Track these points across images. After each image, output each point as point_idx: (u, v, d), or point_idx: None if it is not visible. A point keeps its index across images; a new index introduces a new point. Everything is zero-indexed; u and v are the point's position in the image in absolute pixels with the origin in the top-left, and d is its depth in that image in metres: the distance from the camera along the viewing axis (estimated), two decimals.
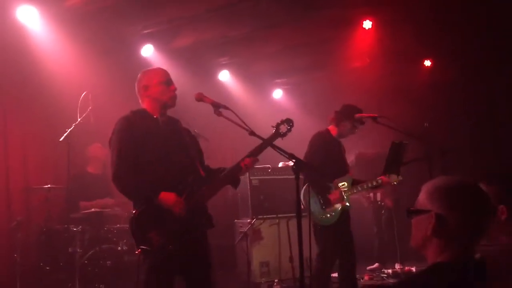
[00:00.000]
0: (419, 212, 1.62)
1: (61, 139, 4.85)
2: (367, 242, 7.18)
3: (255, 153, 3.09)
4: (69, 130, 4.87)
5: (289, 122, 3.07)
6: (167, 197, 2.91)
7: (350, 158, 6.55)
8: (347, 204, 4.38)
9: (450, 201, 1.55)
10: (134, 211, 2.97)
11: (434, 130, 4.44)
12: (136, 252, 2.93)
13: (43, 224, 5.12)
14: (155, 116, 3.15)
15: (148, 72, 3.25)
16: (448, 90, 6.96)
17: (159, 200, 2.90)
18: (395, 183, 4.36)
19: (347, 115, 4.47)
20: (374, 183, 4.37)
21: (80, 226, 4.94)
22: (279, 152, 2.95)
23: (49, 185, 4.99)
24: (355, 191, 4.42)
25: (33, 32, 5.40)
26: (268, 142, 3.06)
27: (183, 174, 3.03)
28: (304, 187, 4.40)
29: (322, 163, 4.34)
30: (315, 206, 4.38)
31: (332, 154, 4.47)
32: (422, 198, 1.64)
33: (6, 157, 5.40)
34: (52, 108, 5.66)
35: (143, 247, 2.87)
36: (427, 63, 7.26)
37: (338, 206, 4.35)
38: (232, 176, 3.10)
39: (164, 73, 3.22)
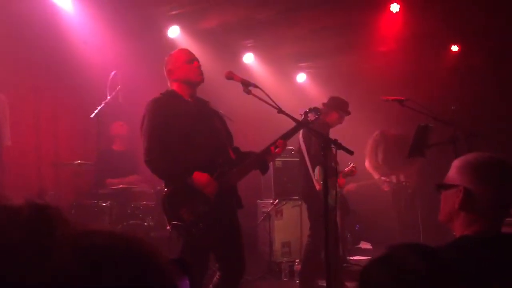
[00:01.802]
0: (449, 186, 1.67)
1: (92, 116, 4.97)
2: (387, 227, 7.22)
3: (283, 137, 3.16)
4: (99, 107, 4.98)
5: (317, 111, 3.16)
6: (200, 177, 2.97)
7: (375, 135, 6.62)
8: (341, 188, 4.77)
9: (478, 175, 1.59)
10: (165, 189, 3.05)
11: (460, 114, 4.42)
12: (168, 227, 3.02)
13: (73, 198, 5.29)
14: (185, 98, 3.20)
15: (172, 55, 3.30)
16: (475, 75, 6.87)
17: (192, 179, 2.96)
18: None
19: (335, 106, 4.89)
20: (348, 172, 5.13)
21: (109, 202, 5.08)
22: (309, 131, 3.00)
23: (79, 161, 5.13)
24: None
25: (64, 11, 5.52)
26: (296, 129, 3.17)
27: (213, 156, 3.09)
28: (317, 169, 4.65)
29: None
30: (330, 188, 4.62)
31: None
32: (452, 173, 1.68)
33: (38, 133, 5.57)
34: (82, 86, 5.79)
35: (174, 222, 2.96)
36: (454, 48, 7.16)
37: (339, 189, 4.77)
38: (262, 159, 3.15)
39: (185, 52, 3.27)
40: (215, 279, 3.14)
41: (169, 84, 3.28)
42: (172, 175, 3.05)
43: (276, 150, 3.08)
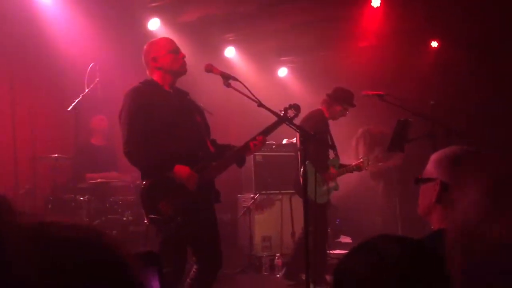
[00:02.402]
0: (426, 180, 1.68)
1: (69, 109, 4.89)
2: (367, 221, 7.29)
3: (263, 134, 3.15)
4: (77, 100, 4.90)
5: (296, 108, 3.14)
6: (182, 170, 2.94)
7: (358, 133, 6.66)
8: (336, 185, 4.67)
9: (453, 169, 1.60)
10: (144, 182, 3.01)
11: (439, 109, 4.47)
12: (145, 221, 2.99)
13: (50, 193, 5.20)
14: (165, 88, 3.16)
15: (155, 43, 3.24)
16: (454, 70, 6.95)
17: (173, 173, 2.93)
18: (366, 168, 5.05)
19: (338, 98, 4.78)
20: (355, 167, 4.90)
21: (87, 196, 5.01)
22: (288, 125, 3.00)
23: (56, 155, 5.05)
24: (341, 173, 4.82)
25: (41, 3, 5.40)
26: (275, 125, 3.16)
27: (193, 148, 3.06)
28: (305, 164, 4.53)
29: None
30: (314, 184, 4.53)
31: (324, 133, 4.61)
32: (429, 167, 1.69)
33: (14, 126, 5.46)
34: (59, 78, 5.69)
35: (152, 216, 2.93)
36: (434, 44, 7.24)
37: (332, 186, 4.60)
38: (241, 154, 3.15)
39: (171, 41, 3.21)
40: (192, 272, 3.13)
41: (148, 72, 3.21)
42: (152, 167, 3.01)
43: (255, 147, 3.07)
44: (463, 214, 1.60)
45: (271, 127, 3.16)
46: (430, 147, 3.80)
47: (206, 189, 3.07)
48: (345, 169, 4.85)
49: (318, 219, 4.50)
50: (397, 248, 1.12)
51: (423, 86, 6.76)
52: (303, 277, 4.86)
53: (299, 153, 4.80)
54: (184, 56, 3.19)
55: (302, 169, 4.53)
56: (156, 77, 3.17)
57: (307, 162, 4.53)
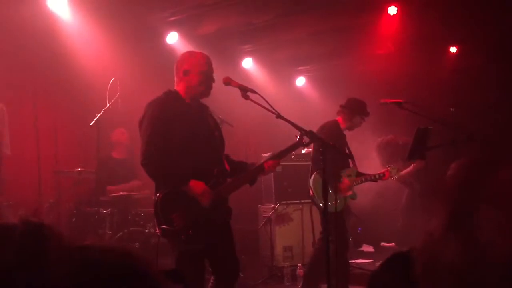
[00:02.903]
0: None
1: (91, 124, 4.97)
2: (390, 231, 7.21)
3: (277, 157, 3.21)
4: (99, 115, 4.99)
5: (312, 135, 3.14)
6: (196, 185, 2.97)
7: (377, 140, 6.61)
8: (353, 194, 4.67)
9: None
10: (158, 194, 3.03)
11: (460, 116, 4.42)
12: (157, 232, 3.01)
13: (73, 206, 5.29)
14: (187, 101, 3.18)
15: (193, 56, 3.24)
16: (474, 76, 6.88)
17: (188, 187, 2.96)
18: (394, 178, 4.85)
19: (355, 109, 4.77)
20: (377, 176, 4.78)
21: (109, 209, 5.08)
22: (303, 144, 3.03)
23: (79, 169, 5.13)
24: (358, 182, 4.74)
25: (63, 20, 5.53)
26: (288, 150, 3.22)
27: (210, 165, 3.09)
28: (313, 175, 4.64)
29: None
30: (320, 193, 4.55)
31: (340, 144, 4.59)
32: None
33: (38, 142, 5.58)
34: (81, 94, 5.80)
35: (164, 227, 2.95)
36: (453, 49, 7.17)
37: (347, 195, 4.61)
38: (255, 174, 3.21)
39: (208, 62, 3.22)
40: (210, 284, 3.14)
41: (176, 80, 3.23)
42: (168, 179, 3.04)
43: (268, 169, 3.17)
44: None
45: (285, 151, 3.21)
46: (452, 154, 3.77)
47: (219, 206, 3.09)
48: (363, 177, 4.81)
49: (334, 228, 4.48)
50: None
51: (442, 93, 6.70)
52: (323, 286, 4.83)
53: (311, 162, 4.84)
54: (213, 82, 3.22)
55: (311, 179, 4.65)
56: (180, 88, 3.20)
57: (315, 172, 4.62)
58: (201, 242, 2.96)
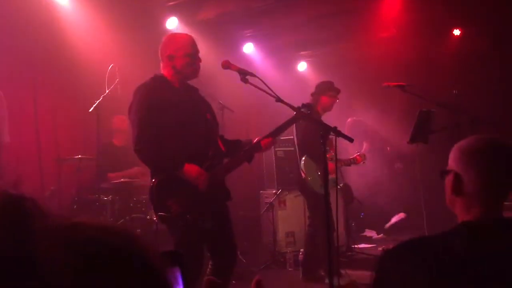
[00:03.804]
0: (445, 172, 1.65)
1: (90, 110, 4.94)
2: (392, 215, 7.18)
3: (274, 134, 3.13)
4: (98, 101, 4.95)
5: (309, 107, 3.13)
6: (191, 169, 2.93)
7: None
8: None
9: (464, 159, 1.57)
10: (153, 180, 2.99)
11: (463, 99, 4.36)
12: (154, 218, 2.99)
13: (75, 193, 5.28)
14: (175, 85, 3.13)
15: (175, 40, 3.18)
16: (477, 59, 6.79)
17: (182, 171, 2.92)
18: (363, 162, 5.33)
19: (320, 90, 4.95)
20: (352, 160, 5.22)
21: (110, 196, 5.07)
22: (306, 120, 2.97)
23: (79, 156, 5.11)
24: (339, 166, 4.98)
25: (61, 6, 5.47)
26: (285, 125, 3.15)
27: (204, 147, 3.05)
28: (304, 157, 4.77)
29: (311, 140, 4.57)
30: (315, 174, 4.71)
31: (313, 129, 4.60)
32: (450, 159, 1.66)
33: (37, 129, 5.55)
34: (80, 80, 5.76)
35: (161, 213, 2.92)
36: (456, 32, 7.07)
37: (333, 177, 4.55)
38: (251, 153, 3.13)
39: (191, 43, 3.15)
40: (208, 269, 3.12)
41: (162, 65, 3.18)
42: (162, 165, 3.01)
43: (265, 146, 3.08)
44: (483, 205, 1.57)
45: (282, 127, 3.14)
46: (455, 137, 3.72)
47: (216, 188, 3.06)
48: (342, 162, 5.09)
49: (320, 210, 4.51)
50: (438, 247, 1.13)
51: (445, 76, 6.63)
52: (322, 272, 4.83)
53: (297, 148, 4.96)
54: (200, 63, 3.16)
55: (302, 162, 4.73)
56: (167, 73, 3.15)
57: (305, 155, 4.72)
58: (199, 226, 2.94)
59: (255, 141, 3.11)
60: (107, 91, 4.98)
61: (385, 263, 1.21)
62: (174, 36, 3.26)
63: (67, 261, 0.56)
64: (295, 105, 3.09)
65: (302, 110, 3.08)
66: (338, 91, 4.97)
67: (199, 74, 3.19)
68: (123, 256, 0.60)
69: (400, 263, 1.17)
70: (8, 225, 0.57)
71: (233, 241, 3.15)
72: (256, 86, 3.01)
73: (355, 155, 5.31)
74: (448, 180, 1.62)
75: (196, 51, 3.15)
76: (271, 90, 2.99)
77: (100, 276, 0.57)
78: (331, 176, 4.62)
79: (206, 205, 2.97)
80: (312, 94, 5.00)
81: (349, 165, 5.31)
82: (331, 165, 4.56)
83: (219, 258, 3.09)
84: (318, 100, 4.92)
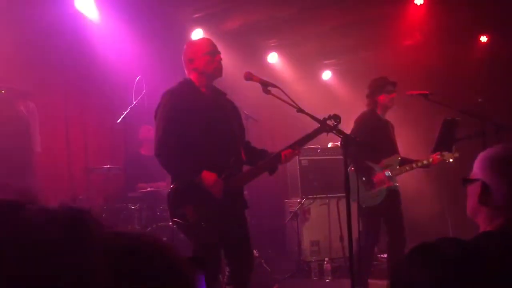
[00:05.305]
0: (471, 181, 1.63)
1: (118, 121, 5.06)
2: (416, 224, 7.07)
3: (296, 145, 3.09)
4: (125, 112, 5.07)
5: (336, 118, 2.99)
6: (208, 177, 2.94)
7: None
8: (395, 184, 4.39)
9: (494, 169, 1.54)
10: (172, 185, 3.03)
11: (489, 107, 4.29)
12: (170, 224, 3.02)
13: (103, 202, 5.40)
14: (202, 90, 3.15)
15: (193, 44, 3.25)
16: (504, 66, 6.67)
17: (200, 178, 2.94)
18: (451, 160, 4.30)
19: (375, 89, 4.48)
20: (425, 162, 4.35)
21: (138, 205, 5.16)
22: (330, 132, 2.97)
23: (108, 166, 5.23)
24: (402, 171, 4.40)
25: (90, 20, 5.65)
26: (311, 136, 3.10)
27: (225, 155, 3.05)
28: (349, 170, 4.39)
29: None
30: (359, 187, 4.26)
31: (377, 134, 4.42)
32: (475, 167, 1.64)
33: (68, 139, 5.71)
34: (109, 92, 5.91)
35: (176, 220, 2.95)
36: (483, 38, 6.97)
37: (384, 187, 4.33)
38: (271, 164, 3.12)
39: (209, 43, 3.18)
40: (226, 276, 3.14)
41: (186, 72, 3.22)
42: (181, 171, 3.02)
43: (285, 157, 3.03)
44: (509, 215, 1.55)
45: (304, 138, 3.11)
46: (480, 146, 3.67)
47: (234, 196, 3.06)
48: (408, 166, 4.40)
49: (368, 221, 4.37)
50: (454, 250, 1.14)
51: (472, 83, 6.52)
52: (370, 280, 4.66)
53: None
54: (220, 59, 3.16)
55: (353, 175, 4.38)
56: (192, 78, 3.18)
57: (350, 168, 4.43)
58: (215, 234, 2.95)
59: (276, 152, 3.12)
60: (134, 102, 5.09)
61: (398, 269, 1.23)
62: (191, 41, 3.35)
63: (105, 269, 0.59)
64: (321, 117, 3.03)
65: (328, 121, 3.03)
66: (395, 85, 4.52)
67: (222, 72, 3.19)
68: (158, 264, 0.64)
69: (412, 268, 1.18)
70: (71, 233, 0.60)
71: (249, 248, 3.16)
72: (278, 97, 3.03)
73: (431, 156, 4.37)
74: (473, 188, 1.60)
75: (214, 49, 3.16)
76: (293, 101, 3.01)
77: (135, 284, 0.61)
78: (380, 188, 4.38)
79: (222, 212, 2.98)
80: (367, 97, 4.56)
81: (424, 167, 4.51)
82: (379, 175, 4.34)
83: (236, 265, 3.10)
84: (375, 102, 4.48)
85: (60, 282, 0.56)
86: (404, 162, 4.43)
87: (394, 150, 4.50)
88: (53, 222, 0.61)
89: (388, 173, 4.35)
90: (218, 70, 3.17)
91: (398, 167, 4.43)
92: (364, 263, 4.32)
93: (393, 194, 4.38)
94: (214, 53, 3.15)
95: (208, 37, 3.28)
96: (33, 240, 0.58)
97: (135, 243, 0.65)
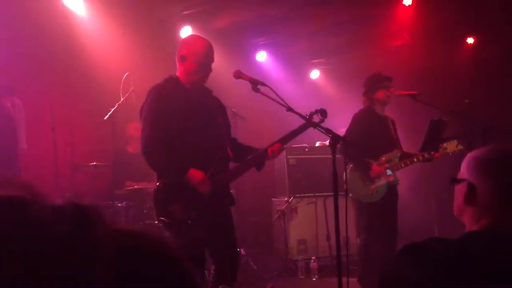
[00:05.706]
0: (458, 181, 1.65)
1: (105, 118, 5.02)
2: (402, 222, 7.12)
3: (283, 140, 3.11)
4: (113, 109, 5.03)
5: (323, 112, 3.00)
6: (195, 174, 2.94)
7: None
8: (394, 180, 4.34)
9: (479, 169, 1.56)
10: (158, 183, 3.02)
11: (475, 108, 4.34)
12: (156, 222, 3.01)
13: (89, 200, 5.34)
14: (187, 87, 3.14)
15: (192, 44, 3.19)
16: (491, 67, 6.75)
17: (186, 176, 2.94)
18: (451, 152, 4.14)
19: (373, 85, 4.43)
20: (426, 156, 4.22)
21: (124, 202, 5.13)
22: (316, 128, 2.98)
23: (94, 163, 5.18)
24: (402, 165, 4.32)
25: (78, 16, 5.59)
26: (298, 131, 3.10)
27: (211, 151, 3.05)
28: (347, 168, 4.36)
29: (363, 140, 4.29)
30: (358, 183, 4.37)
31: (374, 131, 4.41)
32: (462, 168, 1.66)
33: (54, 136, 5.65)
34: (96, 89, 5.86)
35: (162, 218, 2.95)
36: (470, 40, 7.05)
37: (384, 182, 4.30)
38: (258, 160, 3.12)
39: (207, 51, 3.14)
40: (211, 275, 3.15)
41: (177, 66, 3.21)
42: (167, 169, 3.02)
43: (273, 153, 3.04)
44: (493, 216, 1.57)
45: (291, 134, 3.12)
46: (467, 146, 3.72)
47: (220, 193, 3.06)
48: (408, 160, 4.30)
49: (370, 218, 4.33)
50: (444, 249, 1.15)
51: (459, 84, 6.60)
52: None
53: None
54: (210, 70, 3.17)
55: (344, 174, 4.33)
56: (179, 73, 3.18)
57: (349, 166, 4.31)
58: (200, 231, 2.94)
59: (263, 148, 3.12)
60: (122, 99, 5.05)
61: (388, 266, 1.24)
62: (194, 39, 3.28)
63: (106, 267, 0.59)
64: (306, 113, 3.06)
65: (314, 115, 3.04)
66: (390, 79, 4.45)
67: (205, 82, 3.20)
68: (161, 263, 0.63)
69: (402, 266, 1.19)
70: (78, 228, 0.59)
71: (235, 246, 3.17)
72: (267, 96, 3.04)
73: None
74: (460, 188, 1.62)
75: (209, 61, 3.16)
76: (282, 100, 3.02)
77: (136, 283, 0.60)
78: (389, 180, 4.29)
79: (209, 210, 2.98)
80: (364, 94, 4.51)
81: (425, 161, 4.34)
82: (375, 169, 4.26)
83: (221, 263, 3.10)
84: (373, 98, 4.42)
85: (65, 280, 0.56)
86: (405, 156, 4.37)
87: (394, 146, 4.45)
88: (61, 220, 0.60)
89: (389, 170, 4.31)
90: (202, 81, 3.18)
91: (398, 162, 4.37)
92: (365, 262, 4.31)
93: (392, 191, 4.35)
94: (205, 65, 3.14)
95: (207, 39, 3.23)
96: (41, 239, 0.58)
97: (138, 241, 0.64)
